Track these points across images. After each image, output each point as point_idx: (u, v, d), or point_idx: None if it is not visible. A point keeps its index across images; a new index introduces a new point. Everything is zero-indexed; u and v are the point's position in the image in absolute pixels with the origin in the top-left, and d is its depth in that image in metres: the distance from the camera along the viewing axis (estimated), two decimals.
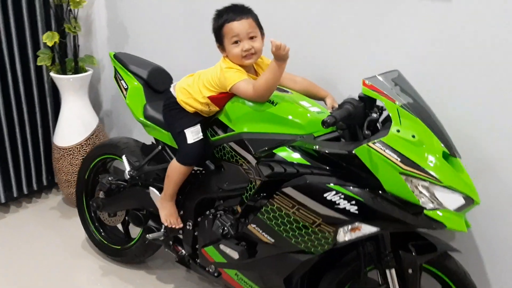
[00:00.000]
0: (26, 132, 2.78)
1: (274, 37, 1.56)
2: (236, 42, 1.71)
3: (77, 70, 2.70)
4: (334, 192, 1.45)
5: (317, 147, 1.52)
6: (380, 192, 1.42)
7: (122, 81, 2.12)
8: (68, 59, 2.70)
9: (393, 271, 1.55)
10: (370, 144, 1.40)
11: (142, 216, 2.08)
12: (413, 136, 1.41)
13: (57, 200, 2.97)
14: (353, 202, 1.44)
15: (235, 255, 1.72)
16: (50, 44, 2.50)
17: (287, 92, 1.80)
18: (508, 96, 1.63)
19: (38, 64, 2.59)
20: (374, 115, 1.49)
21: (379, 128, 1.55)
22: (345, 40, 1.98)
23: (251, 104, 1.70)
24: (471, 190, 1.43)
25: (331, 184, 1.46)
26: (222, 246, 1.77)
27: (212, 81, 1.76)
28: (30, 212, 2.85)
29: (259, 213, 1.61)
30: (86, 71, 2.75)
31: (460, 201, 1.40)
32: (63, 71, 2.66)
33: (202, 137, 1.82)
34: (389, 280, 1.56)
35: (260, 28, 1.80)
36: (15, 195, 2.81)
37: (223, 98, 1.78)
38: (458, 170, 1.46)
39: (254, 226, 1.64)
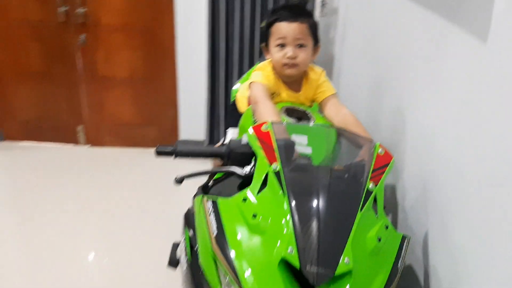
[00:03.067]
0: None
1: None
2: (281, 45, 1.54)
3: None
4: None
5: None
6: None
7: None
8: None
9: None
10: (205, 198, 1.10)
11: None
12: (254, 216, 1.00)
13: None
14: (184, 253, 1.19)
15: None
16: None
17: (306, 122, 1.48)
18: None
19: None
20: (247, 168, 1.11)
21: None
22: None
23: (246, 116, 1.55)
24: None
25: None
26: None
27: None
28: None
29: None
30: None
31: None
32: None
33: None
34: None
35: (315, 38, 1.53)
36: None
37: None
38: None
39: None
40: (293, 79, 1.59)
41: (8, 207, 2.77)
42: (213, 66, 3.15)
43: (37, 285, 2.11)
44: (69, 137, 3.62)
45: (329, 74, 2.88)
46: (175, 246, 1.50)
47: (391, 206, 1.52)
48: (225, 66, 3.13)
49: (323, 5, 2.87)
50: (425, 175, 1.25)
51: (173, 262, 1.56)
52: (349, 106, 1.59)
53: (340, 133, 1.37)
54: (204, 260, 1.06)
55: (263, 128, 1.13)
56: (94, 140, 3.61)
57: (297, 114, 1.50)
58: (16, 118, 3.57)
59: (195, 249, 1.15)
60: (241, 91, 1.76)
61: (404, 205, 1.40)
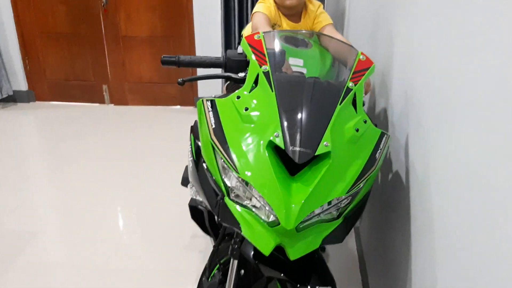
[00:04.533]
0: None
1: None
2: None
3: None
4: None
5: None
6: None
7: None
8: None
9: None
10: (205, 100, 1.25)
11: None
12: (246, 109, 1.15)
13: None
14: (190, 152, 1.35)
15: None
16: None
17: (303, 47, 1.61)
18: None
19: None
20: (241, 74, 1.25)
21: None
22: None
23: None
24: (279, 208, 1.02)
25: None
26: None
27: None
28: None
29: None
30: None
31: (261, 212, 1.07)
32: None
33: None
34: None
35: None
36: None
37: None
38: (292, 180, 1.06)
39: None
40: (294, 11, 1.71)
41: (42, 158, 3.01)
42: (228, 23, 3.29)
43: (65, 220, 2.33)
44: (95, 97, 3.83)
45: (341, 25, 2.98)
46: (187, 167, 1.65)
47: (383, 126, 1.64)
48: (239, 22, 3.26)
49: None
50: (408, 90, 1.37)
51: (185, 181, 1.72)
52: (356, 46, 1.70)
53: (326, 40, 1.48)
54: (205, 151, 1.22)
55: (255, 36, 1.26)
56: (118, 99, 3.81)
57: (296, 42, 1.63)
58: (45, 80, 3.79)
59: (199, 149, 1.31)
60: (247, 29, 1.89)
61: (393, 120, 1.53)
